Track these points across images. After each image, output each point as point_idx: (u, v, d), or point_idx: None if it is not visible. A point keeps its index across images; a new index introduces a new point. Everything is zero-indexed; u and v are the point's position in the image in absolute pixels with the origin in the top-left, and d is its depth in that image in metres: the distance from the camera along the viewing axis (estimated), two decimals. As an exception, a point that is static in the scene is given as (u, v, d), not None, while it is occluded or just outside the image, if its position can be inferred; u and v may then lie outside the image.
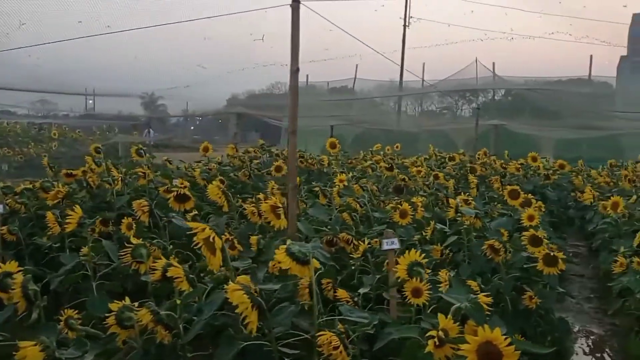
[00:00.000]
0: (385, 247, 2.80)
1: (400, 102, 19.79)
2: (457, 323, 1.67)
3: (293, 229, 2.65)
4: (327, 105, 16.09)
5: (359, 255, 3.12)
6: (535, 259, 3.45)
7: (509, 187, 4.33)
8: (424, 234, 3.92)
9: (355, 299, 2.28)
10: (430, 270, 2.50)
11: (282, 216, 3.09)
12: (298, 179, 5.43)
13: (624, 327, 3.67)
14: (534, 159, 6.49)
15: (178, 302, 2.07)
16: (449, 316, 1.65)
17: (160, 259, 2.41)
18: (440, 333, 1.62)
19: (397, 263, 2.69)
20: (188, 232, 3.94)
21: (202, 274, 2.51)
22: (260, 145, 8.50)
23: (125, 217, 3.43)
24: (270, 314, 1.77)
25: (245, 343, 1.81)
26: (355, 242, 3.51)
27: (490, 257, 3.26)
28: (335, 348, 1.70)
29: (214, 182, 4.20)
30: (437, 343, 1.61)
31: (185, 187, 4.37)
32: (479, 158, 7.82)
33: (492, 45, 27.86)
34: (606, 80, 18.44)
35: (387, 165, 5.79)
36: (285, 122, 17.49)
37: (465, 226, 3.68)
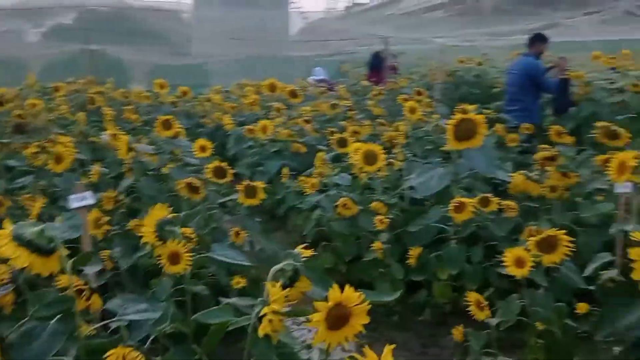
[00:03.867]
0: (75, 205, 2.19)
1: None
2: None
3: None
4: None
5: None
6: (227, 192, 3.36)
7: (161, 118, 3.94)
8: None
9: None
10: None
11: None
12: None
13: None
14: (162, 86, 6.14)
15: None
16: (276, 283, 1.31)
17: None
18: (274, 306, 1.28)
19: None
20: None
21: None
22: None
23: None
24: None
25: None
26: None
27: (188, 196, 2.93)
28: None
29: None
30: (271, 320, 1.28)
31: None
32: (87, 88, 7.00)
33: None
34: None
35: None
36: None
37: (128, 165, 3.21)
